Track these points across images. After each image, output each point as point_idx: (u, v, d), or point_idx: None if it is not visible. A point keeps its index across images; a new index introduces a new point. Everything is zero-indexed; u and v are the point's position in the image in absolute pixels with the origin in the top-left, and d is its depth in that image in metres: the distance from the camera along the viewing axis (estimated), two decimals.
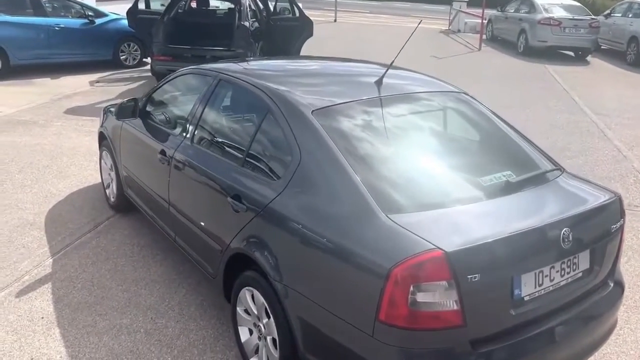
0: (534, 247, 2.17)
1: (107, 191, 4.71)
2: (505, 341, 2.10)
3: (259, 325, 2.68)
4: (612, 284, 2.54)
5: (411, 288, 1.93)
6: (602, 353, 3.02)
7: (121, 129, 4.16)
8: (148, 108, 3.95)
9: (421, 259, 1.94)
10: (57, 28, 9.81)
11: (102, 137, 4.64)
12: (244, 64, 3.71)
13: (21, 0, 10.00)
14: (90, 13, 10.36)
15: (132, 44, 10.69)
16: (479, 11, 16.46)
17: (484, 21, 16.70)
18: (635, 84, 11.68)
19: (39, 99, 8.25)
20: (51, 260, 3.83)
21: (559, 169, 2.73)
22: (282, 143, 2.63)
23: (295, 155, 2.50)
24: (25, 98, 8.19)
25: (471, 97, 3.16)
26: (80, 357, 2.89)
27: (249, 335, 2.79)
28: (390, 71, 3.00)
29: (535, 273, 2.17)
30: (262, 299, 2.57)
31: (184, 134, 3.34)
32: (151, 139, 3.69)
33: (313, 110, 2.59)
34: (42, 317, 3.21)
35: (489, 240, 2.04)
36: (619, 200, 2.54)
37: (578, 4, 15.75)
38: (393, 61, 3.03)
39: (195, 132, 3.26)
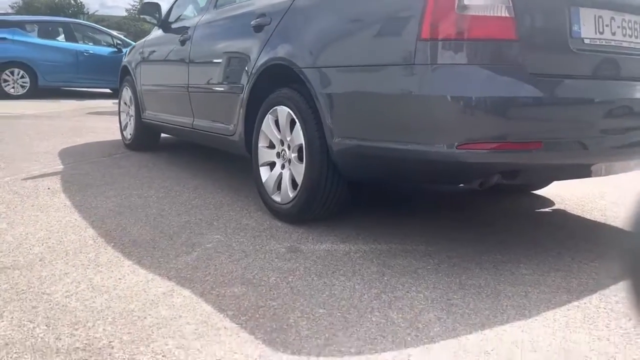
0: None
1: (125, 132, 4.59)
2: (563, 78, 1.85)
3: (283, 150, 2.44)
4: None
5: None
6: None
7: (142, 47, 4.12)
8: (170, 19, 3.91)
9: None
10: (86, 54, 10.12)
11: (124, 73, 4.58)
12: None
13: (54, 25, 10.45)
14: (118, 42, 10.74)
15: None
16: None
17: None
18: None
19: (64, 107, 8.36)
20: (62, 167, 3.64)
21: None
22: None
23: None
24: (50, 107, 8.30)
25: None
26: (99, 207, 2.64)
27: (269, 172, 2.53)
28: None
29: (595, 15, 1.93)
30: (286, 111, 2.36)
31: (207, 7, 3.26)
32: (171, 34, 3.63)
33: None
34: (48, 188, 2.99)
35: None
36: None
37: None
38: None
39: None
